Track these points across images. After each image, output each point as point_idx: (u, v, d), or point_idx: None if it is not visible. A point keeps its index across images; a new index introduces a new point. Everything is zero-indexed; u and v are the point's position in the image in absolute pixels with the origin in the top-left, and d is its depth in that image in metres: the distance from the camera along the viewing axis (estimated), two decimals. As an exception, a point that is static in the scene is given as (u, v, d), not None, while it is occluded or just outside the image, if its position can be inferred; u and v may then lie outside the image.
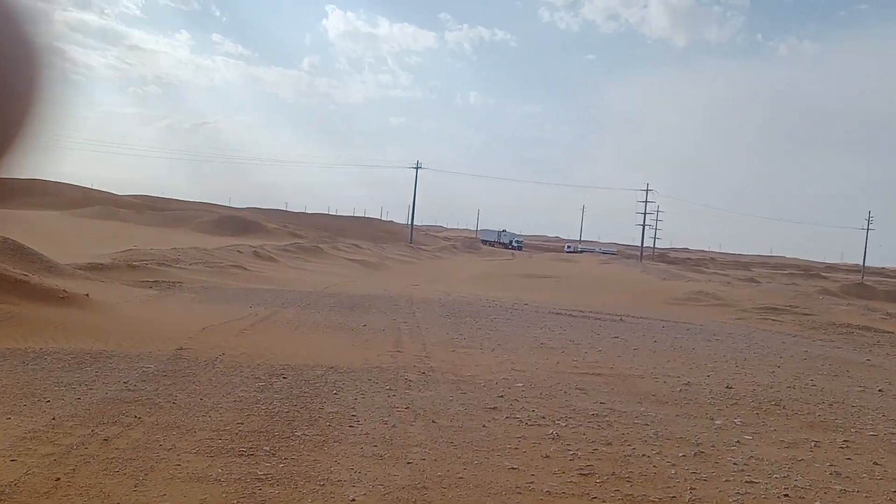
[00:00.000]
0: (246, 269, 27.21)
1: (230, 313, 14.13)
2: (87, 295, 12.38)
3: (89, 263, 19.98)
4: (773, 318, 24.76)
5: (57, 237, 40.28)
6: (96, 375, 7.92)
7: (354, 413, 7.17)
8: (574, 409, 8.01)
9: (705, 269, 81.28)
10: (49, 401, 6.75)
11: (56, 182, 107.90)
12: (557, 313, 19.83)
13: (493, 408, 7.82)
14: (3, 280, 11.28)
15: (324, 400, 7.62)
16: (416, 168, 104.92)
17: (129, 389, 7.40)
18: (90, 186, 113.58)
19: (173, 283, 19.78)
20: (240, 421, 6.61)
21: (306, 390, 7.99)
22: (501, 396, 8.38)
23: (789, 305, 30.55)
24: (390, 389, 8.31)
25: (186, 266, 25.25)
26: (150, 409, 6.76)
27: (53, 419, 6.18)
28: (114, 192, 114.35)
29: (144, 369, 8.39)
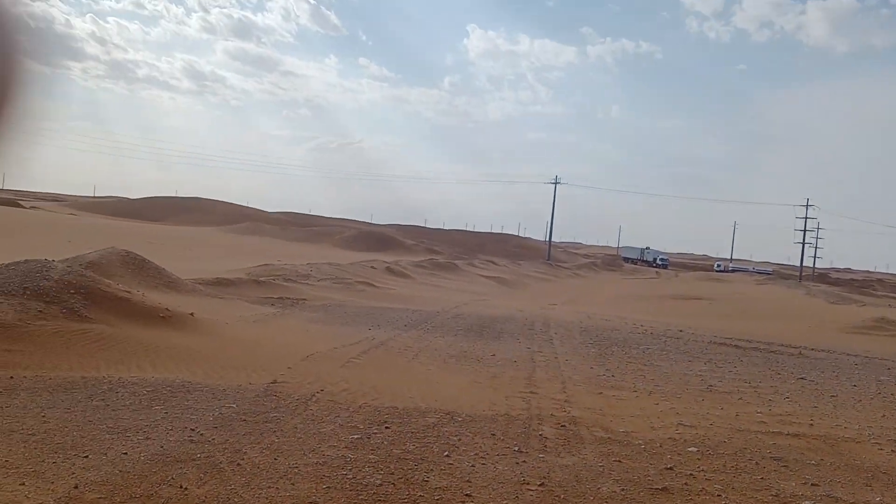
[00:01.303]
0: (374, 285, 26.15)
1: (345, 337, 12.71)
2: (192, 314, 11.32)
3: (216, 279, 19.46)
4: None
5: (202, 251, 41.58)
6: (163, 417, 6.52)
7: (469, 491, 5.26)
8: (777, 497, 5.69)
9: (873, 292, 73.25)
10: (87, 456, 5.34)
11: (214, 200, 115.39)
12: (721, 343, 17.02)
13: (662, 489, 5.64)
14: (102, 297, 10.40)
15: (431, 466, 5.77)
16: (555, 183, 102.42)
17: (192, 441, 5.90)
18: (244, 204, 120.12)
19: (297, 300, 18.85)
20: (314, 498, 4.89)
21: (410, 448, 6.19)
22: (670, 469, 6.18)
23: None
24: (519, 452, 6.33)
25: (315, 282, 24.52)
26: (206, 472, 5.18)
27: (75, 487, 4.72)
28: (264, 210, 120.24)
29: (224, 410, 6.93)
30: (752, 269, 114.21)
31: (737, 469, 6.32)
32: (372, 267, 37.39)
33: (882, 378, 12.81)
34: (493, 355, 12.02)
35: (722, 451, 6.86)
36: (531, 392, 8.97)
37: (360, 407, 7.49)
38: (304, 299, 19.27)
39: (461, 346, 12.89)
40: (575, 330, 17.70)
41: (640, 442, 6.99)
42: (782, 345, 17.99)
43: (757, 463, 6.56)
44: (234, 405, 7.14)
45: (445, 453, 6.11)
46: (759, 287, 69.37)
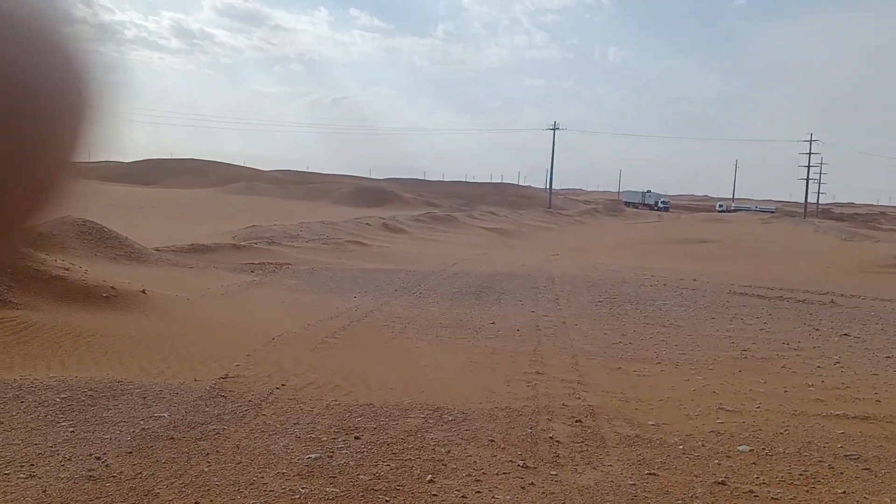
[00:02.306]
0: (366, 244, 24.63)
1: (325, 308, 11.25)
2: (144, 291, 9.82)
3: (192, 245, 17.93)
4: None
5: (193, 214, 39.96)
6: (66, 439, 5.06)
7: (457, 543, 3.83)
8: (872, 521, 4.25)
9: (879, 226, 71.80)
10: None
11: (208, 161, 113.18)
12: (741, 293, 15.56)
13: (718, 519, 4.21)
14: (32, 277, 8.89)
15: (408, 496, 4.34)
16: (554, 130, 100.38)
17: (91, 478, 4.45)
18: (239, 164, 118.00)
19: (280, 265, 17.35)
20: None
21: (384, 471, 4.74)
22: (722, 484, 4.74)
23: None
24: (525, 467, 4.88)
25: (303, 244, 23.00)
26: (93, 534, 3.74)
27: None
28: (259, 169, 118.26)
29: (150, 423, 5.48)
30: (754, 208, 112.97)
31: (807, 479, 4.87)
32: (367, 224, 35.89)
33: (934, 329, 11.35)
34: (493, 323, 10.56)
35: (781, 450, 5.40)
36: (537, 372, 7.50)
37: (326, 407, 6.03)
38: (289, 264, 17.78)
39: (457, 312, 11.43)
40: (581, 285, 16.23)
41: (677, 440, 5.54)
42: (807, 291, 16.54)
43: (830, 466, 5.11)
44: (166, 414, 5.69)
45: (429, 477, 4.67)
46: (765, 226, 67.84)
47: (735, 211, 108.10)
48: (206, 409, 5.85)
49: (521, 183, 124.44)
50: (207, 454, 4.90)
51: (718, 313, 12.36)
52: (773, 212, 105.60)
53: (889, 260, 28.04)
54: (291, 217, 36.19)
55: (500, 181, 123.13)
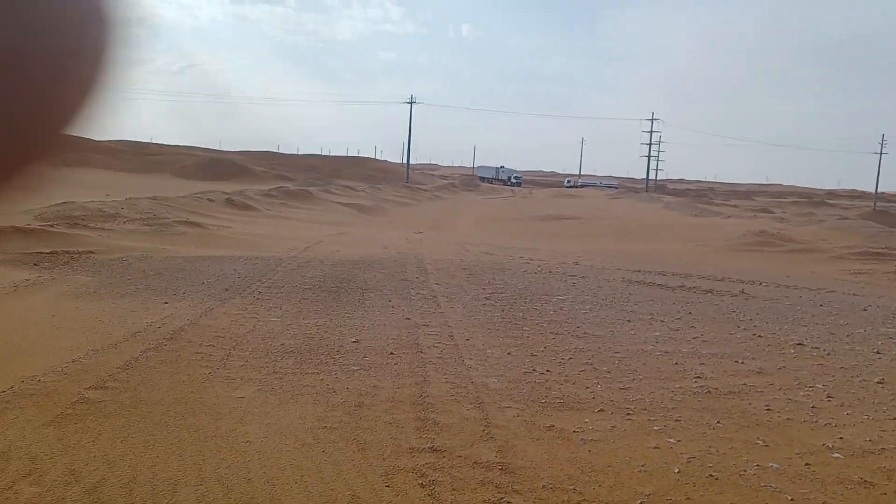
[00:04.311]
0: (201, 225, 20.78)
1: (117, 324, 7.88)
2: None
3: (-46, 230, 13.58)
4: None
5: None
6: None
7: None
8: None
9: (713, 202, 75.57)
10: None
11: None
12: (638, 282, 13.59)
13: None
14: None
15: None
16: (411, 103, 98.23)
17: None
18: (67, 133, 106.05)
19: (78, 254, 13.45)
20: None
21: None
22: None
23: (887, 248, 24.40)
24: None
25: (120, 225, 18.88)
26: None
27: None
28: (91, 138, 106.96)
29: None
30: (599, 184, 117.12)
31: None
32: (209, 199, 31.58)
33: (886, 329, 9.67)
34: (356, 341, 7.64)
35: None
36: (431, 447, 4.68)
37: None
38: (91, 252, 13.90)
39: (306, 324, 8.40)
40: (459, 274, 13.65)
41: None
42: (702, 277, 14.92)
43: None
44: None
45: None
46: (614, 202, 68.95)
47: (582, 186, 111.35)
48: None
49: (378, 157, 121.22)
50: None
51: (629, 312, 10.15)
52: (616, 188, 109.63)
53: (751, 237, 27.83)
54: (124, 191, 31.15)
55: (356, 155, 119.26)
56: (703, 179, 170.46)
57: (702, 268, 17.35)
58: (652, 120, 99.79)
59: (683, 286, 13.25)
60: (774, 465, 4.66)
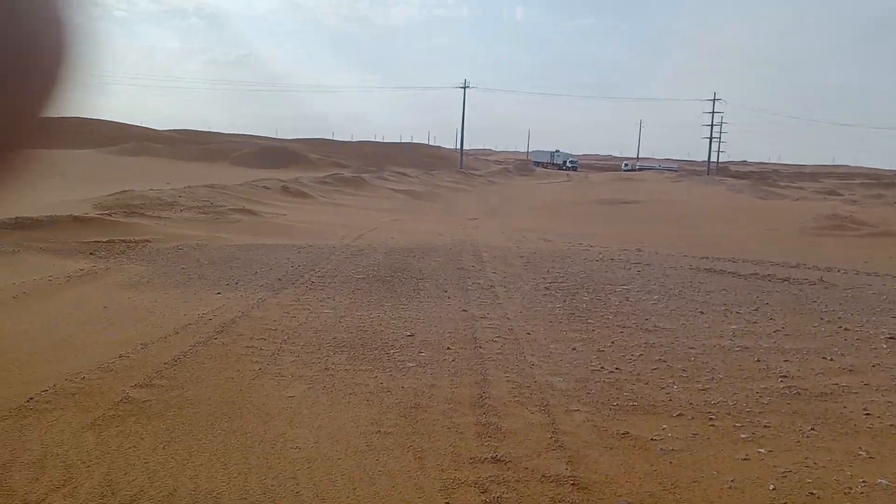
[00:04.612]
0: (256, 213, 20.74)
1: (168, 316, 7.70)
2: None
3: (16, 219, 13.71)
4: None
5: (67, 177, 34.41)
6: None
7: None
8: None
9: (778, 184, 72.84)
10: None
11: (93, 119, 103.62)
12: (708, 269, 12.88)
13: None
14: None
15: None
16: (464, 88, 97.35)
17: None
18: (131, 123, 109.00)
19: (134, 243, 13.47)
20: None
21: None
22: None
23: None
24: None
25: (177, 213, 18.96)
26: None
27: None
28: (153, 128, 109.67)
29: None
30: (658, 167, 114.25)
31: None
32: (265, 187, 31.74)
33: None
34: (412, 335, 7.28)
35: None
36: (494, 458, 4.27)
37: None
38: (148, 241, 13.91)
39: (360, 316, 8.08)
40: (516, 263, 13.18)
41: None
42: (776, 264, 14.10)
43: None
44: None
45: None
46: (676, 185, 66.95)
47: (640, 170, 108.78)
48: None
49: (432, 143, 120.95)
50: None
51: (701, 303, 9.53)
52: (676, 170, 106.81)
53: (823, 221, 26.50)
54: (183, 180, 31.60)
55: (410, 141, 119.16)
56: (766, 161, 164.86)
57: (773, 254, 16.45)
58: (714, 100, 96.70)
59: (756, 274, 12.49)
60: (884, 481, 4.10)
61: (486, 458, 4.21)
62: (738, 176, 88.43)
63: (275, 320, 7.75)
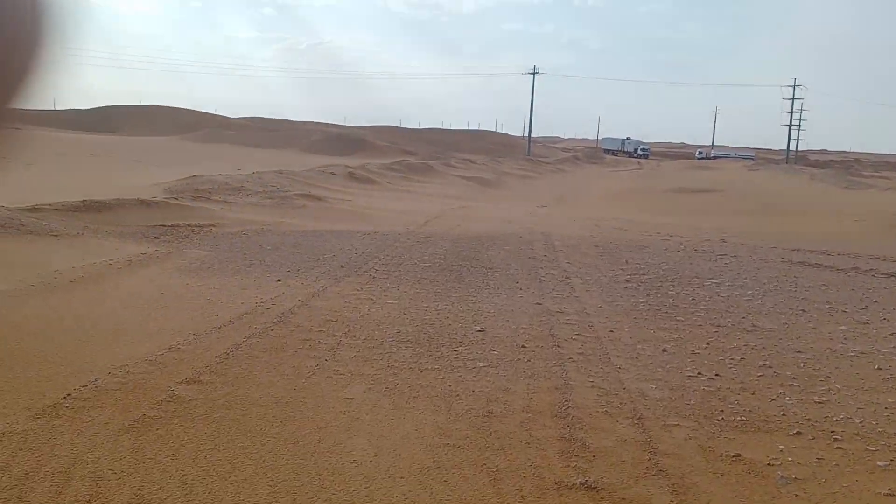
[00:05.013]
0: (321, 198, 20.47)
1: (225, 303, 7.31)
2: None
3: (83, 202, 13.70)
4: None
5: (144, 162, 35.10)
6: None
7: None
8: None
9: (861, 173, 68.98)
10: None
11: (173, 107, 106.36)
12: (801, 262, 11.84)
13: None
14: None
15: None
16: (533, 74, 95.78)
17: None
18: (206, 111, 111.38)
19: (199, 227, 13.28)
20: None
21: None
22: None
23: None
24: None
25: (243, 198, 18.83)
26: None
27: None
28: (227, 116, 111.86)
29: None
30: (733, 155, 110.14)
31: None
32: (331, 173, 31.64)
33: None
34: (482, 330, 6.67)
35: None
36: (583, 484, 3.62)
37: None
38: (212, 225, 13.72)
39: (425, 308, 7.52)
40: (591, 252, 12.41)
41: None
42: (875, 258, 12.90)
43: None
44: None
45: None
46: (754, 174, 64.07)
47: (715, 158, 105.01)
48: None
49: (499, 130, 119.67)
50: None
51: (802, 300, 8.60)
52: (753, 158, 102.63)
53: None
54: (254, 165, 31.74)
55: (477, 128, 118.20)
56: (847, 150, 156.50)
57: (870, 247, 15.15)
58: (794, 86, 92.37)
59: (857, 268, 11.39)
60: None
61: (574, 484, 3.57)
62: (818, 165, 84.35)
63: (335, 311, 7.26)
